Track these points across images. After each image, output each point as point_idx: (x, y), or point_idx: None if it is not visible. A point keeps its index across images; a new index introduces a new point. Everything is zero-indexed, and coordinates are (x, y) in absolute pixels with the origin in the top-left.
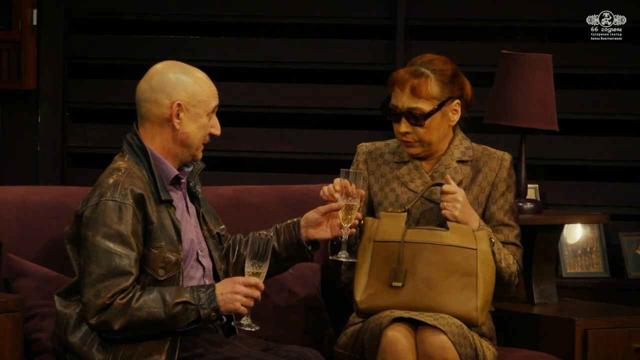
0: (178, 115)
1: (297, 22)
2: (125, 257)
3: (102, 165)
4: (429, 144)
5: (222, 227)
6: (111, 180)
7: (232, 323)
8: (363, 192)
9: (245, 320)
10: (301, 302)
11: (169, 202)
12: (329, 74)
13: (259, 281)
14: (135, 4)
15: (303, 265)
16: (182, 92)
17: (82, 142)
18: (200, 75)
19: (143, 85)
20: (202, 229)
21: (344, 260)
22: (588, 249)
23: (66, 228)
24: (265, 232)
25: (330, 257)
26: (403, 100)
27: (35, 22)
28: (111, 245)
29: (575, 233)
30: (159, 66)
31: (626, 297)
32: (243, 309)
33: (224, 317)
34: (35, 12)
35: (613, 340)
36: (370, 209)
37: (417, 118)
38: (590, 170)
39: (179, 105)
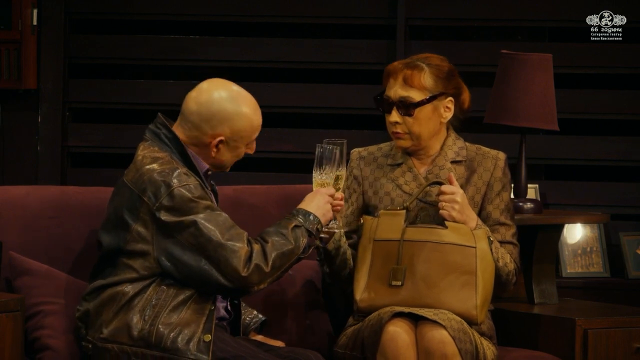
0: (218, 146)
1: (297, 22)
2: (226, 217)
3: (102, 165)
4: (418, 137)
5: None
6: (165, 169)
7: (324, 229)
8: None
9: (333, 224)
10: (301, 302)
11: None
12: (329, 73)
13: (336, 190)
14: (135, 4)
15: (303, 265)
16: (227, 129)
17: (82, 142)
18: (250, 107)
19: (191, 105)
20: None
21: (336, 230)
22: (588, 249)
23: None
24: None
25: (324, 228)
26: (395, 89)
27: (35, 22)
28: (212, 213)
29: (575, 233)
30: (210, 87)
31: (626, 297)
32: (333, 215)
33: (232, 313)
34: (35, 12)
35: (613, 340)
36: (366, 214)
37: (407, 107)
38: (590, 170)
39: (220, 140)
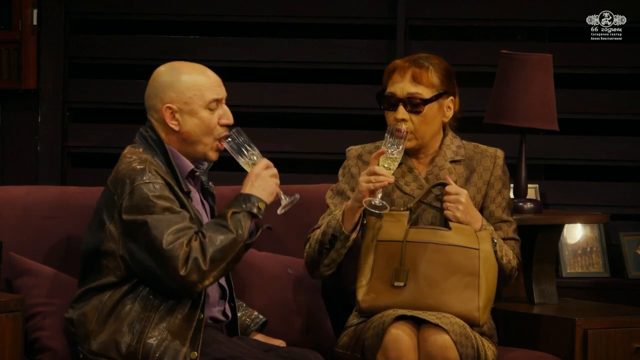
0: (174, 116)
1: (297, 22)
2: (182, 217)
3: (102, 166)
4: (423, 137)
5: None
6: (138, 167)
7: (279, 211)
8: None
9: (284, 198)
10: (301, 302)
11: (188, 194)
12: (329, 73)
13: (269, 161)
14: (135, 4)
15: (303, 265)
16: (170, 93)
17: (82, 142)
18: (192, 70)
19: (145, 93)
20: None
21: (378, 203)
22: (588, 249)
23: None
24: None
25: (364, 202)
26: (403, 85)
27: (35, 22)
28: (164, 215)
29: (575, 233)
30: (155, 71)
31: (626, 297)
32: (278, 189)
33: (229, 315)
34: (35, 12)
35: (613, 340)
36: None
37: (416, 105)
38: (590, 170)
39: (169, 107)
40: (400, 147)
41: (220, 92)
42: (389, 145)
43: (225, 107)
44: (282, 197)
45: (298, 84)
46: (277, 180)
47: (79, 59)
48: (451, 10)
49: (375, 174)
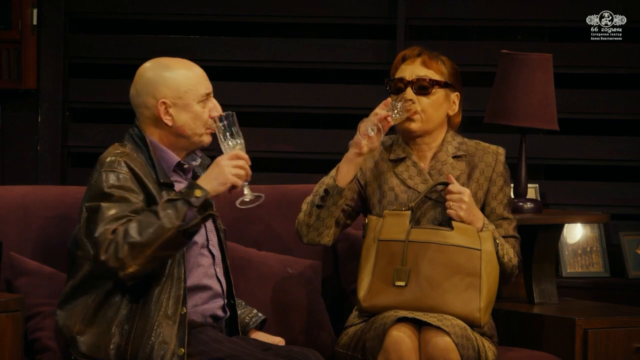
0: (168, 112)
1: (297, 22)
2: (129, 206)
3: None
4: (428, 120)
5: (223, 228)
6: (108, 159)
7: (237, 203)
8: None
9: (247, 193)
10: (301, 302)
11: (170, 186)
12: (329, 73)
13: (240, 152)
14: (135, 4)
15: (303, 264)
16: (165, 89)
17: (82, 142)
18: (182, 66)
19: (131, 91)
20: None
21: (370, 131)
22: (588, 249)
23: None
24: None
25: (360, 127)
26: (412, 69)
27: (35, 22)
28: (116, 204)
29: (575, 233)
30: (141, 68)
31: (626, 297)
32: (236, 180)
33: (228, 311)
34: (35, 12)
35: (613, 340)
36: (364, 207)
37: (424, 87)
38: (590, 170)
39: (164, 103)
40: (403, 111)
41: (209, 86)
42: (393, 107)
43: (215, 101)
44: (246, 190)
45: (298, 84)
46: (241, 172)
47: (79, 59)
48: (451, 10)
49: (375, 114)
